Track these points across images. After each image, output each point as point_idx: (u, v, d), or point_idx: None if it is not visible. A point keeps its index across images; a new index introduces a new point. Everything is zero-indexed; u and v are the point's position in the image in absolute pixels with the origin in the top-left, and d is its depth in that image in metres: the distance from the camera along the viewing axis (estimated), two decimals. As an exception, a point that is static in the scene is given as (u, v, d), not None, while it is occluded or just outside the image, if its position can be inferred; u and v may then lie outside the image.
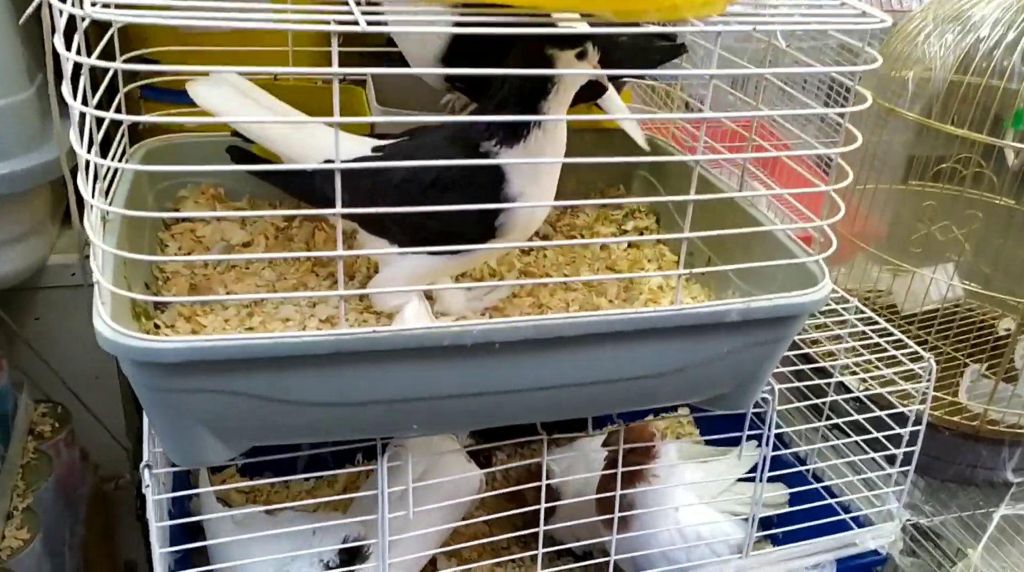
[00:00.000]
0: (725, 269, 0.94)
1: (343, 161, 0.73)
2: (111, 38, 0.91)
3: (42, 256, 1.34)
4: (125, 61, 0.93)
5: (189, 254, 1.04)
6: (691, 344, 0.85)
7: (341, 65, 0.60)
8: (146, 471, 0.84)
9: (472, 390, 0.83)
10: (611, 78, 0.92)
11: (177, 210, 1.09)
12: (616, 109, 1.13)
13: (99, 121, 0.83)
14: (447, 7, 0.80)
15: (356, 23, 0.65)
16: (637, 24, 0.74)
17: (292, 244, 1.09)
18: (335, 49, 0.65)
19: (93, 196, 0.74)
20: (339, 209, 0.72)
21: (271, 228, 1.10)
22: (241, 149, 0.96)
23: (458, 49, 0.94)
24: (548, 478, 1.21)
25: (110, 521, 1.55)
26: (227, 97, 0.89)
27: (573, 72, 0.80)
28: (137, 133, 1.17)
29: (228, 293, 0.98)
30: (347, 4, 0.70)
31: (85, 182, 0.73)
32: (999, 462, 1.35)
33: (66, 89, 0.68)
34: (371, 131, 1.09)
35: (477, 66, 0.77)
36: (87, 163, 0.74)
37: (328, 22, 0.65)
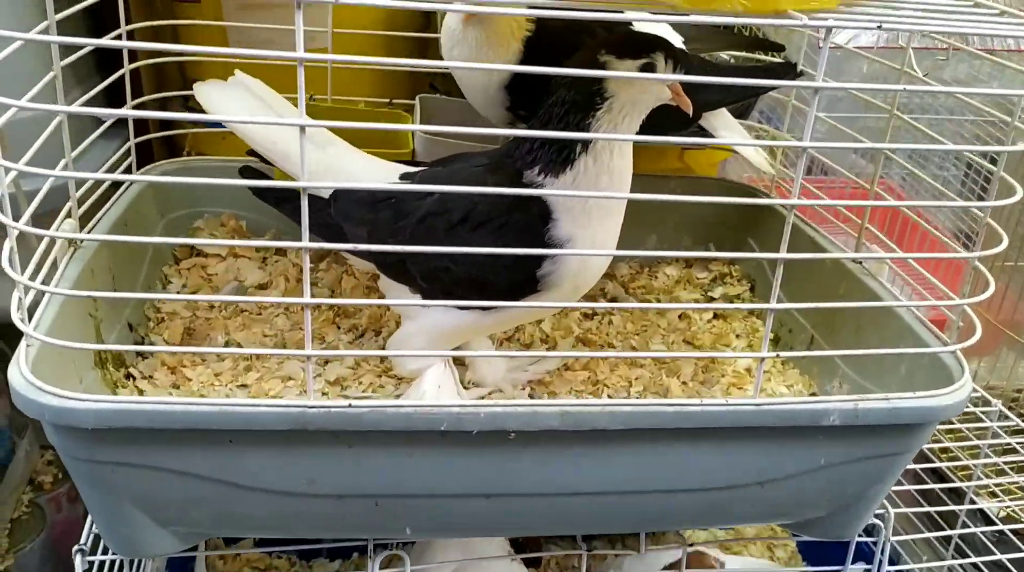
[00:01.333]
0: (830, 354, 0.73)
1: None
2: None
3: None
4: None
5: (194, 293, 0.92)
6: (774, 451, 0.66)
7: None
8: (79, 556, 0.68)
9: (479, 490, 0.65)
10: (699, 103, 0.72)
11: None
12: (727, 128, 0.92)
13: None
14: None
15: None
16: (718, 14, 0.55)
17: (315, 289, 0.96)
18: (299, 23, 0.49)
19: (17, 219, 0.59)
20: (306, 242, 0.55)
21: (293, 269, 0.97)
22: (257, 171, 0.84)
23: (524, 77, 0.84)
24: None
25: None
26: (235, 101, 0.77)
27: (621, 75, 0.64)
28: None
29: (227, 342, 0.87)
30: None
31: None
32: None
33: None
34: (412, 158, 0.95)
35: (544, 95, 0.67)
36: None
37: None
